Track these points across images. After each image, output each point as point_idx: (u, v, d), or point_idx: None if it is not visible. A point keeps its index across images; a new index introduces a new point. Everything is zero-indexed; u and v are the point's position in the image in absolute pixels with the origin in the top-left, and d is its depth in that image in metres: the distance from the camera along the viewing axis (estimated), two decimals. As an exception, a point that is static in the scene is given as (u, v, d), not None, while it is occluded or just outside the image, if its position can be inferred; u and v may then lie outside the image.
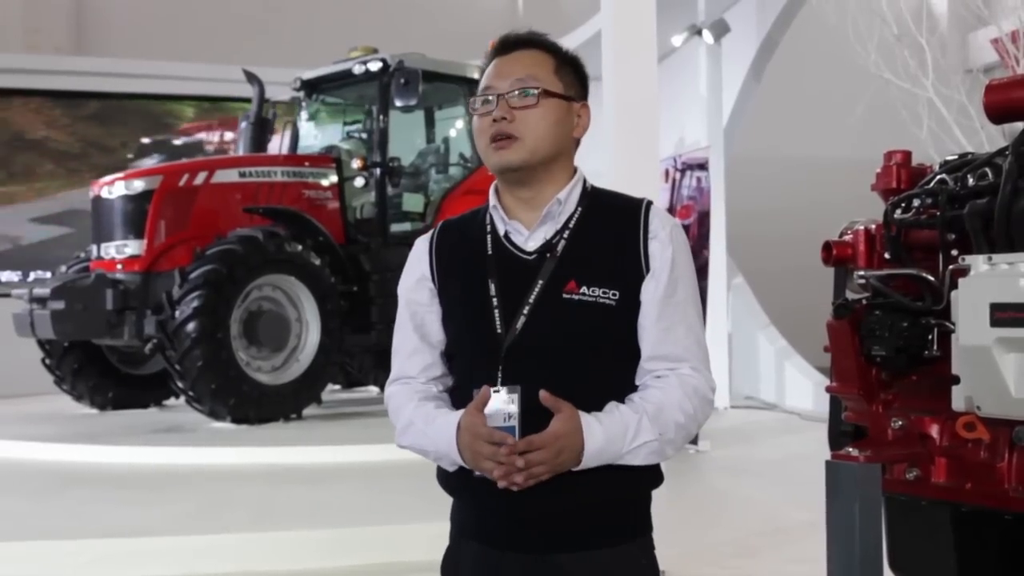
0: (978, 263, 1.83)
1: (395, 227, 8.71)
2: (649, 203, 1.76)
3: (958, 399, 1.86)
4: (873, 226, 2.19)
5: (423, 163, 9.26)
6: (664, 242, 1.71)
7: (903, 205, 2.11)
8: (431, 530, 4.60)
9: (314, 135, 9.32)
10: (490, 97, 1.72)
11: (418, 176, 9.11)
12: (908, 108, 9.23)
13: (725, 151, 11.18)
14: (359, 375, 10.13)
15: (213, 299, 7.16)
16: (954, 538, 1.98)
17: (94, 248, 8.12)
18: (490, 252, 1.75)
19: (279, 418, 7.58)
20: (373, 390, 10.21)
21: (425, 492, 6.08)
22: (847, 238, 2.22)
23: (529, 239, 1.74)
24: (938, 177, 2.09)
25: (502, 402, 1.63)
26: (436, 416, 1.72)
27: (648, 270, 1.70)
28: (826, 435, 2.34)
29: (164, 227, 7.82)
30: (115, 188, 7.98)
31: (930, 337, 1.99)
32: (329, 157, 8.80)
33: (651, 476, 1.74)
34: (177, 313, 7.11)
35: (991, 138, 8.34)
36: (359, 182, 8.51)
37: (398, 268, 7.49)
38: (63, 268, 8.59)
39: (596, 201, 1.78)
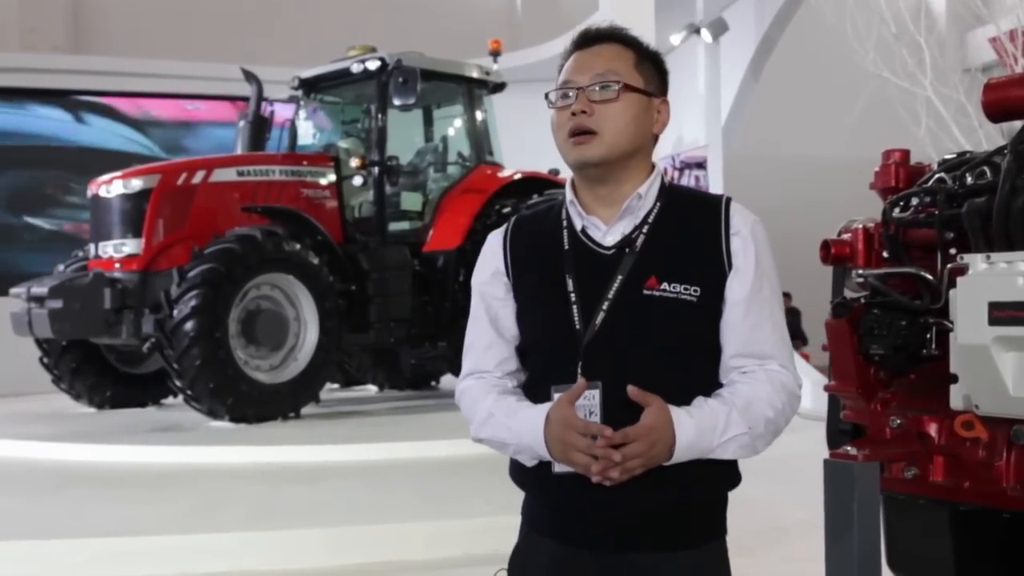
0: (976, 262, 1.83)
1: (393, 226, 8.71)
2: (729, 199, 1.74)
3: (956, 398, 1.86)
4: (871, 225, 2.19)
5: (421, 162, 9.26)
6: (746, 239, 1.69)
7: (901, 204, 2.11)
8: (429, 529, 4.63)
9: (312, 134, 9.31)
10: (569, 92, 1.70)
11: (416, 175, 9.11)
12: (906, 107, 9.25)
13: (723, 150, 11.20)
14: (357, 374, 10.13)
15: (211, 298, 7.15)
16: (952, 537, 1.98)
17: (92, 247, 8.10)
18: (567, 247, 1.73)
19: (277, 417, 7.57)
20: (371, 389, 10.21)
21: (424, 491, 6.06)
22: (845, 237, 2.22)
23: (607, 234, 1.72)
24: (936, 176, 2.09)
25: (582, 399, 1.61)
26: (519, 408, 1.69)
27: (731, 267, 1.68)
28: (824, 434, 2.34)
29: (162, 226, 7.80)
30: (113, 187, 7.97)
31: (928, 336, 1.99)
32: (327, 156, 8.79)
33: (730, 476, 1.73)
34: (175, 312, 7.10)
35: (989, 137, 8.36)
36: (357, 181, 8.50)
37: (396, 267, 7.48)
38: (61, 267, 8.58)
39: (675, 197, 1.75)
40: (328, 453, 6.44)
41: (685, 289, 1.65)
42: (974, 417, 1.87)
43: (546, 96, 1.74)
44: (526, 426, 1.64)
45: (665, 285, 1.65)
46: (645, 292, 1.65)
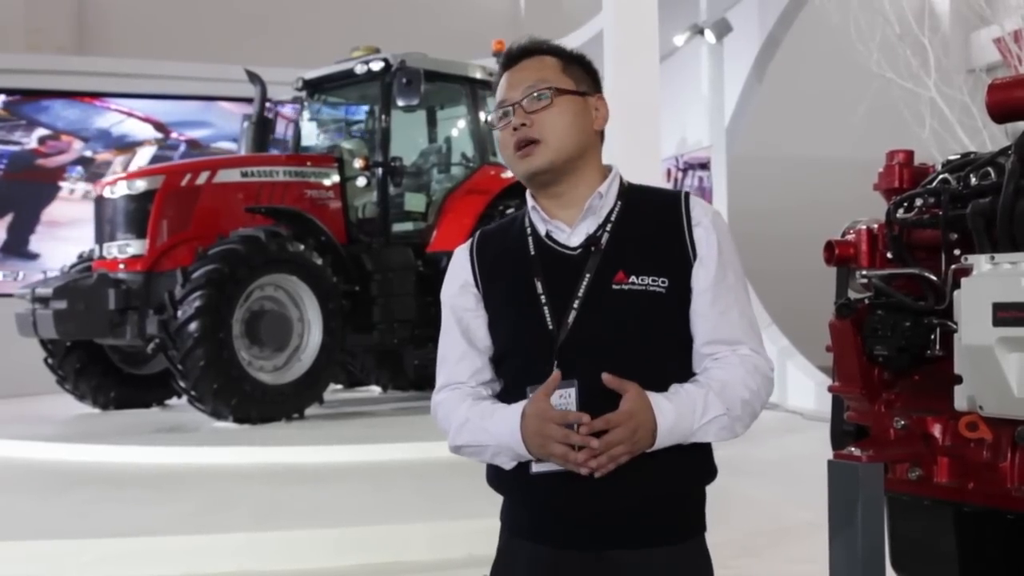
0: (980, 263, 1.83)
1: (397, 227, 8.71)
2: (688, 194, 1.78)
3: (960, 399, 1.86)
4: (875, 226, 2.19)
5: (425, 163, 9.26)
6: (708, 228, 1.73)
7: (905, 205, 2.11)
8: (433, 530, 4.63)
9: (316, 135, 9.33)
10: (507, 109, 1.74)
11: (420, 176, 9.12)
12: (910, 107, 9.23)
13: (727, 151, 11.19)
14: (361, 375, 10.14)
15: (215, 299, 7.15)
16: (956, 538, 1.98)
17: (96, 248, 8.12)
18: (533, 252, 1.75)
19: (281, 418, 7.57)
20: (375, 390, 10.22)
21: (427, 491, 6.07)
22: (849, 238, 2.22)
23: (572, 235, 1.74)
24: (940, 176, 2.09)
25: (559, 398, 1.62)
26: (495, 409, 1.70)
27: (695, 257, 1.71)
28: (828, 435, 2.34)
29: (166, 227, 7.81)
30: (117, 188, 7.98)
31: (932, 337, 1.99)
32: (331, 157, 8.80)
33: (707, 468, 1.75)
34: (179, 313, 7.11)
35: (994, 137, 8.35)
36: (361, 182, 8.51)
37: (400, 268, 7.51)
38: (66, 267, 8.59)
39: (635, 195, 1.79)
40: (332, 454, 6.45)
41: (653, 281, 1.68)
42: (978, 418, 1.87)
43: (486, 121, 1.78)
44: (503, 425, 1.66)
45: (633, 278, 1.68)
46: (614, 287, 1.68)
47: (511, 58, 1.79)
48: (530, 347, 1.70)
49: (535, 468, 1.65)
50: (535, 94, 1.72)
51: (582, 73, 1.79)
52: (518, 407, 1.65)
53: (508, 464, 1.70)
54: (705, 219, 1.73)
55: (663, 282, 1.69)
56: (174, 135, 12.99)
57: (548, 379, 1.62)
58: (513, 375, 1.75)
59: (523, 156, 1.73)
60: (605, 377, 1.59)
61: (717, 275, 1.71)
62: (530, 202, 1.79)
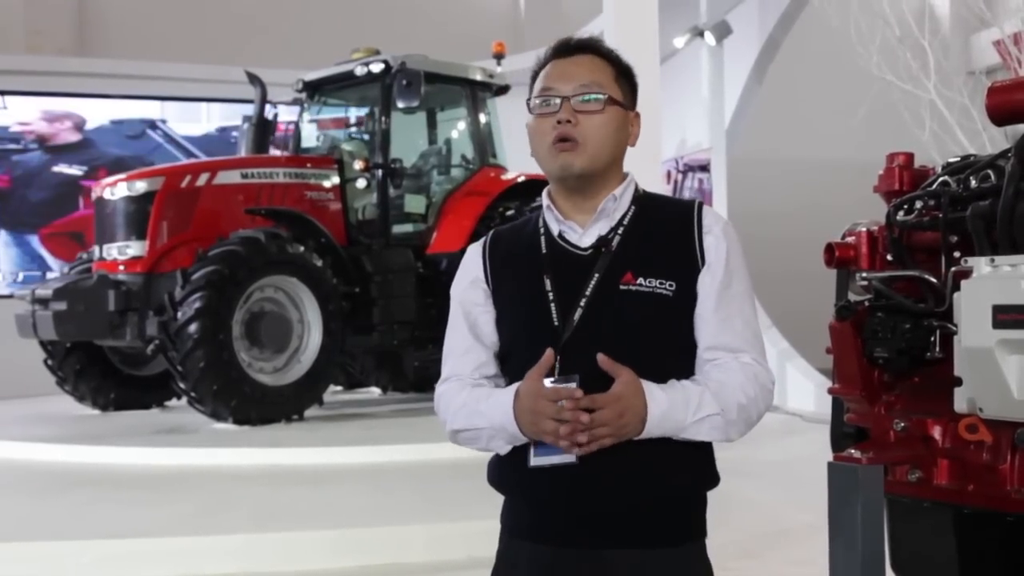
0: (980, 265, 1.83)
1: (397, 228, 8.72)
2: (701, 203, 1.80)
3: (960, 401, 1.86)
4: (875, 228, 2.19)
5: (425, 164, 9.27)
6: (719, 237, 1.74)
7: (905, 207, 2.11)
8: (432, 532, 4.63)
9: (316, 136, 9.33)
10: (553, 99, 1.73)
11: (420, 177, 9.12)
12: (910, 110, 9.23)
13: (727, 153, 11.19)
14: (360, 376, 10.14)
15: (215, 300, 7.16)
16: (956, 540, 1.98)
17: (96, 249, 8.13)
18: (544, 251, 1.77)
19: (281, 419, 7.58)
20: (375, 391, 10.22)
21: (427, 493, 6.07)
22: (849, 240, 2.22)
23: (584, 236, 1.76)
24: (940, 179, 2.09)
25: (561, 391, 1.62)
26: (492, 393, 1.72)
27: (703, 263, 1.72)
28: (828, 437, 2.34)
29: (166, 228, 7.82)
30: (117, 189, 7.99)
31: (932, 339, 1.99)
32: (331, 158, 8.81)
33: (709, 472, 1.75)
34: (179, 314, 7.11)
35: (993, 140, 8.35)
36: (361, 183, 8.52)
37: (400, 269, 7.50)
38: (66, 269, 8.60)
39: (648, 201, 1.81)
40: (331, 455, 6.45)
41: (660, 284, 1.69)
42: (978, 420, 1.87)
43: (527, 103, 1.78)
44: (497, 406, 1.67)
45: (641, 280, 1.69)
46: (622, 287, 1.69)
47: (567, 48, 1.78)
48: (535, 343, 1.70)
49: (533, 461, 1.65)
50: (588, 95, 1.72)
51: (628, 87, 1.80)
52: (512, 388, 1.67)
53: (504, 448, 1.71)
54: (716, 228, 1.75)
55: (670, 285, 1.70)
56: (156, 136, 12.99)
57: (541, 359, 1.63)
58: (518, 371, 1.74)
59: (561, 151, 1.72)
60: (600, 358, 1.60)
61: (723, 282, 1.72)
62: (545, 201, 1.81)
